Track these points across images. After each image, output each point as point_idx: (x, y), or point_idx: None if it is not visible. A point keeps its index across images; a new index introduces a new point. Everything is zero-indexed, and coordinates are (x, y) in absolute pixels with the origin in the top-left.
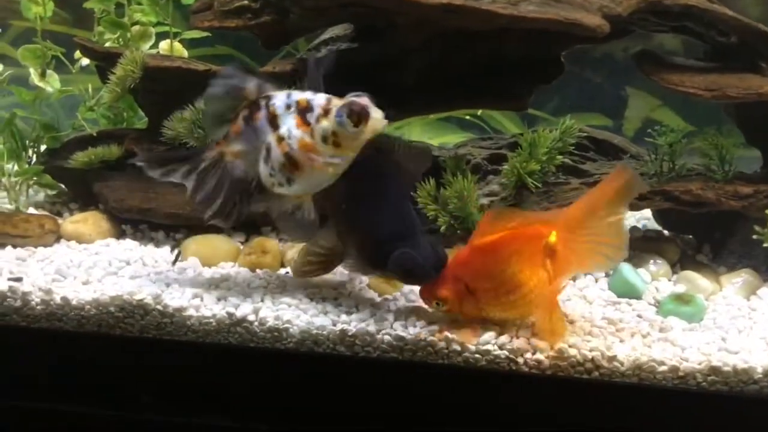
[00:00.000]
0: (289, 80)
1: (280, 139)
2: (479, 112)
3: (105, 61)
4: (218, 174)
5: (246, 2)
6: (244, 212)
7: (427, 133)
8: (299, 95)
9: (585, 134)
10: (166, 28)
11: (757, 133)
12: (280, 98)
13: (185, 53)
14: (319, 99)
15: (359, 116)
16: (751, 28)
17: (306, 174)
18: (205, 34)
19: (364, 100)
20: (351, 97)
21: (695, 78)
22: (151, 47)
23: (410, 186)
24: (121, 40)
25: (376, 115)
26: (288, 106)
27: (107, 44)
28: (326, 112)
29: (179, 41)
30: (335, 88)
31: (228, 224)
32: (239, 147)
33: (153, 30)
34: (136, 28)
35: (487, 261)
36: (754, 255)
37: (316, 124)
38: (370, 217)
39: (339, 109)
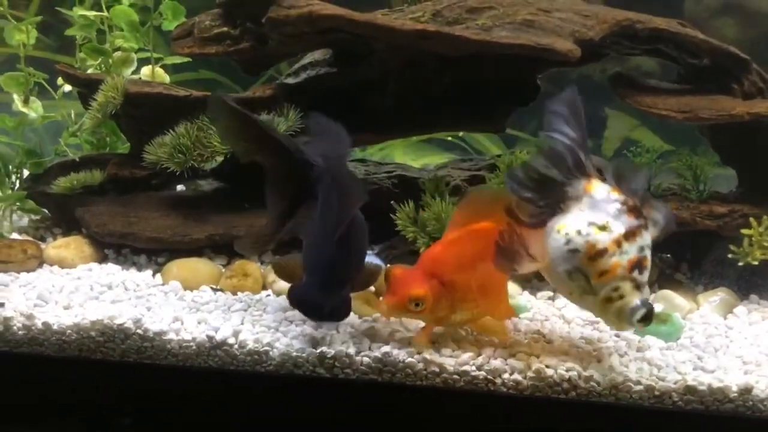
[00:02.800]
0: (268, 105)
1: (619, 245)
2: (461, 133)
3: (87, 88)
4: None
5: (225, 29)
6: None
7: (409, 155)
8: (647, 255)
9: None
10: (149, 54)
11: (730, 153)
12: (646, 239)
13: (167, 78)
14: (642, 280)
15: (646, 321)
16: (722, 50)
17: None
18: (186, 59)
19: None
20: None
21: (668, 100)
22: (134, 73)
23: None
24: (103, 66)
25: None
26: (642, 249)
27: (89, 70)
28: (639, 286)
29: (162, 66)
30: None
31: None
32: (595, 197)
33: (135, 56)
34: (118, 54)
35: (463, 252)
36: (726, 275)
37: (625, 282)
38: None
39: (643, 306)
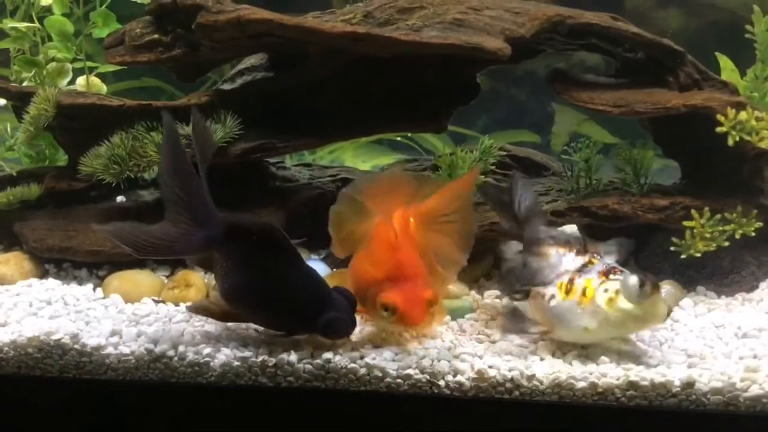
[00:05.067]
0: (204, 112)
1: (581, 271)
2: (410, 133)
3: (20, 100)
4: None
5: (157, 36)
6: None
7: (359, 157)
8: (614, 266)
9: (506, 153)
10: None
11: (671, 146)
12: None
13: (104, 88)
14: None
15: (645, 287)
16: (655, 43)
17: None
18: (120, 68)
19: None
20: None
21: (604, 95)
22: (70, 83)
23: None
24: (37, 78)
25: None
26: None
27: (25, 83)
28: (611, 301)
29: (98, 76)
30: (253, 118)
31: None
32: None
33: (70, 66)
34: (53, 65)
35: (414, 247)
36: (663, 269)
37: (608, 282)
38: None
39: (634, 274)
